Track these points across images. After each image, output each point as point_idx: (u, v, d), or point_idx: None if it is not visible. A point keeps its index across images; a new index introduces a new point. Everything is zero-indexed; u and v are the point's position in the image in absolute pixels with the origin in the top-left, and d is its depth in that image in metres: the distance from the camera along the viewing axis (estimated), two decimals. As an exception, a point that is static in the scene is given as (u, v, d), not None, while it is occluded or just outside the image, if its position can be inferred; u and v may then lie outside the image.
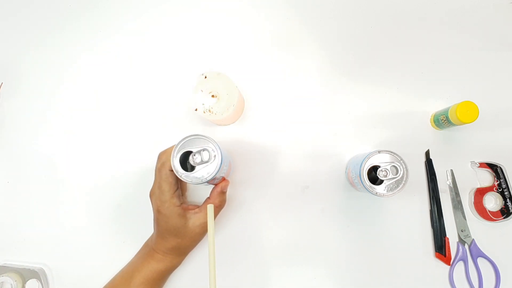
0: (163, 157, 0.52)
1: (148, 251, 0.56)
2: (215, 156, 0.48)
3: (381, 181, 0.49)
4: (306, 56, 0.63)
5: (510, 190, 0.59)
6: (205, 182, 0.48)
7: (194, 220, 0.53)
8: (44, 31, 0.67)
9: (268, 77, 0.63)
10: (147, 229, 0.57)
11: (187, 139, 0.48)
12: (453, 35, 0.63)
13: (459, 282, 0.58)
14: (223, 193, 0.55)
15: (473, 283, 0.58)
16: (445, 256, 0.58)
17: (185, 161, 0.48)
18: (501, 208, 0.59)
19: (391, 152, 0.49)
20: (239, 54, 0.64)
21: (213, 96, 0.54)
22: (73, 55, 0.66)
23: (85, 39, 0.66)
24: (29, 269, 0.60)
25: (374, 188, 0.49)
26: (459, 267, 0.59)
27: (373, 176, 0.49)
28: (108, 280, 0.57)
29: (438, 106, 0.61)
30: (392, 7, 0.64)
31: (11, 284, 0.59)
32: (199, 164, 0.47)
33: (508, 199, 0.59)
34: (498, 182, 0.59)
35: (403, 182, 0.49)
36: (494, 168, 0.59)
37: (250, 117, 0.63)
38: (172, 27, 0.66)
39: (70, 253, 0.62)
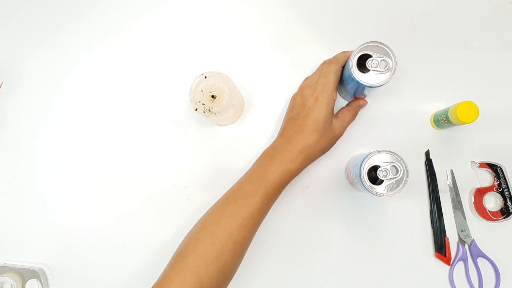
0: (339, 55, 0.56)
1: (275, 153, 0.54)
2: (390, 68, 0.50)
3: (381, 181, 0.49)
4: (306, 56, 0.63)
5: (510, 190, 0.59)
6: (373, 87, 0.51)
7: (338, 119, 0.56)
8: (44, 31, 0.67)
9: (268, 77, 0.63)
10: (147, 230, 0.57)
11: (368, 43, 0.51)
12: (453, 35, 0.63)
13: (459, 282, 0.58)
14: (359, 107, 0.59)
15: (473, 283, 0.58)
16: (445, 256, 0.58)
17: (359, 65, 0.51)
18: (501, 208, 0.59)
19: (391, 152, 0.49)
20: (239, 54, 0.64)
21: (213, 96, 0.54)
22: (73, 55, 0.66)
23: (85, 39, 0.66)
24: (29, 269, 0.60)
25: (374, 188, 0.49)
26: (459, 267, 0.59)
27: (373, 176, 0.49)
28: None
29: (438, 106, 0.60)
30: (391, 7, 0.64)
31: (11, 284, 0.59)
32: (374, 69, 0.50)
33: (508, 199, 0.59)
34: (498, 182, 0.59)
35: (403, 182, 0.49)
36: (494, 168, 0.59)
37: (250, 117, 0.63)
38: (172, 27, 0.65)
39: (70, 253, 0.62)
